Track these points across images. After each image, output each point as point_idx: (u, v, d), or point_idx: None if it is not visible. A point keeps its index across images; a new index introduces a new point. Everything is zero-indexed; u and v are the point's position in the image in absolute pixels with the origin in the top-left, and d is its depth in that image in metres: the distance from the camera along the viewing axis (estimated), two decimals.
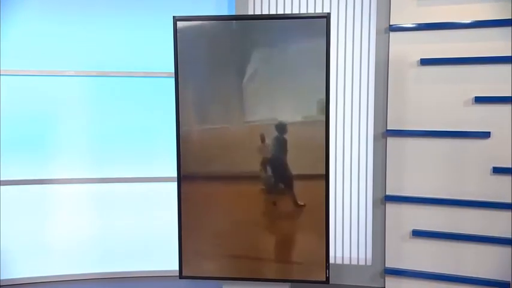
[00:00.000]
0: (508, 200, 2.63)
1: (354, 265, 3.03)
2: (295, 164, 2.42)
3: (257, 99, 2.40)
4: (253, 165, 2.43)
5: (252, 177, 2.44)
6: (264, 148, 2.42)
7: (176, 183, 2.48)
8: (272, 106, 2.39)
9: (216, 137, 2.44)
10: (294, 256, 2.47)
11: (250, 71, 2.38)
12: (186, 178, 2.47)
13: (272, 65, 2.38)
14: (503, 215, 2.65)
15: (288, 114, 2.39)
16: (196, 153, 2.46)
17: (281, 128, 2.39)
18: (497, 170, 2.64)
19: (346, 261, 3.04)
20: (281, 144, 2.41)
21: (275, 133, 2.39)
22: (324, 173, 2.38)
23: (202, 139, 2.45)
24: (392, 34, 2.78)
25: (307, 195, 2.42)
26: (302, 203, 2.41)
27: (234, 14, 2.98)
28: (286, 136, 2.39)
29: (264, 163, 2.43)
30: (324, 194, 2.39)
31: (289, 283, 2.54)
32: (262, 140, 2.41)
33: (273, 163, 2.44)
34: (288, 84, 2.37)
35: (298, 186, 2.43)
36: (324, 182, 2.39)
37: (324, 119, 2.35)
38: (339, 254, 3.04)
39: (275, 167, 2.44)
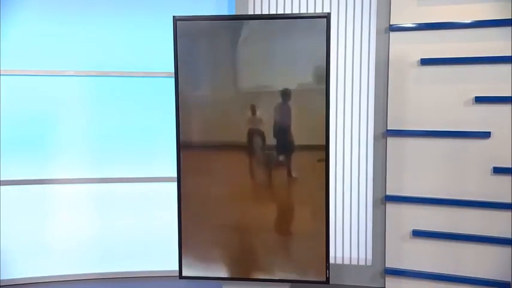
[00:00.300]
0: (508, 200, 2.63)
1: (354, 265, 3.03)
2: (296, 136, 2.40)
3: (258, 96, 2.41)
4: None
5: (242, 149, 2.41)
6: (254, 120, 2.38)
7: (176, 183, 2.48)
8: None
9: (216, 133, 2.45)
10: (294, 256, 2.46)
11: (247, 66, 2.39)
12: (187, 174, 2.47)
13: (272, 64, 2.37)
14: (503, 215, 2.65)
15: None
16: (198, 157, 2.46)
17: (285, 94, 2.34)
18: (497, 170, 2.64)
19: (346, 261, 3.04)
20: (284, 111, 2.36)
21: (279, 100, 2.36)
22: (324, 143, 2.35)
23: (201, 133, 2.46)
24: (392, 34, 2.78)
25: (307, 180, 2.41)
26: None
27: (234, 14, 2.98)
28: (290, 103, 2.36)
29: (251, 135, 2.38)
30: (324, 179, 2.38)
31: (289, 283, 2.54)
32: (253, 111, 2.38)
33: (275, 132, 2.39)
34: (287, 80, 2.37)
35: (296, 162, 2.41)
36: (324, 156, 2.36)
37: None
38: (339, 254, 3.04)
39: (278, 137, 2.39)
